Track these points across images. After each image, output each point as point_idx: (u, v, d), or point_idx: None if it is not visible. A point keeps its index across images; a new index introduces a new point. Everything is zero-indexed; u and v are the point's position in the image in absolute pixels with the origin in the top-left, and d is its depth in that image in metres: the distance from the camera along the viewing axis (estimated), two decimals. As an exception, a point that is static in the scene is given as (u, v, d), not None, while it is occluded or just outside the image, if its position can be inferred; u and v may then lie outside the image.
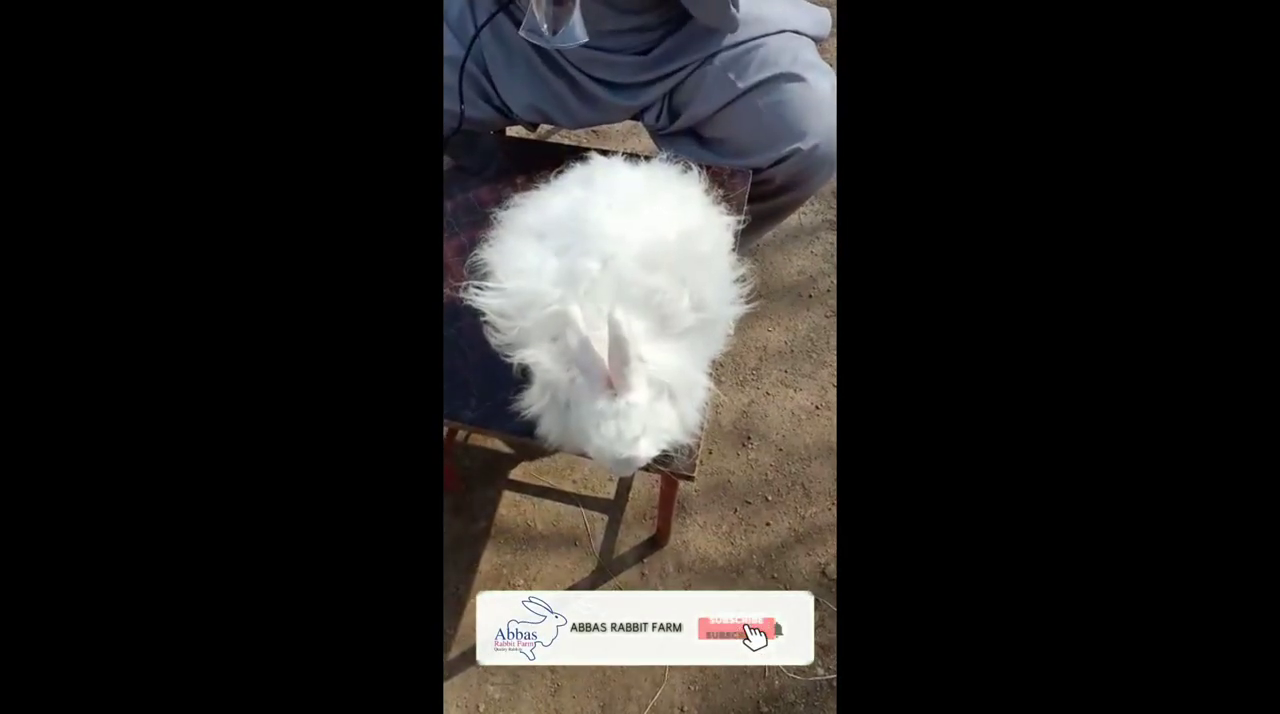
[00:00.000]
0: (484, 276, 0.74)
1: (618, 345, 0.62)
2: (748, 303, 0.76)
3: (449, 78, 0.99)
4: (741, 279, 0.76)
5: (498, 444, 1.19)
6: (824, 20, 1.03)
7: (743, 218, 0.86)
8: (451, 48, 0.99)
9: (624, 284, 0.68)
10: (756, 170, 0.97)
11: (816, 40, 1.02)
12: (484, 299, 0.72)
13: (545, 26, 0.72)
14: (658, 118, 1.03)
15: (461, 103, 0.96)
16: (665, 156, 0.86)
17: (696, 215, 0.78)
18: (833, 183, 1.51)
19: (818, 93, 0.94)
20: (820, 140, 0.93)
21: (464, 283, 0.75)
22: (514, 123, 1.09)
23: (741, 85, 0.94)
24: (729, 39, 0.95)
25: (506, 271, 0.73)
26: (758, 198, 1.02)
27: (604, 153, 0.88)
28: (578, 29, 0.72)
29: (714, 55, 0.95)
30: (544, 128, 1.56)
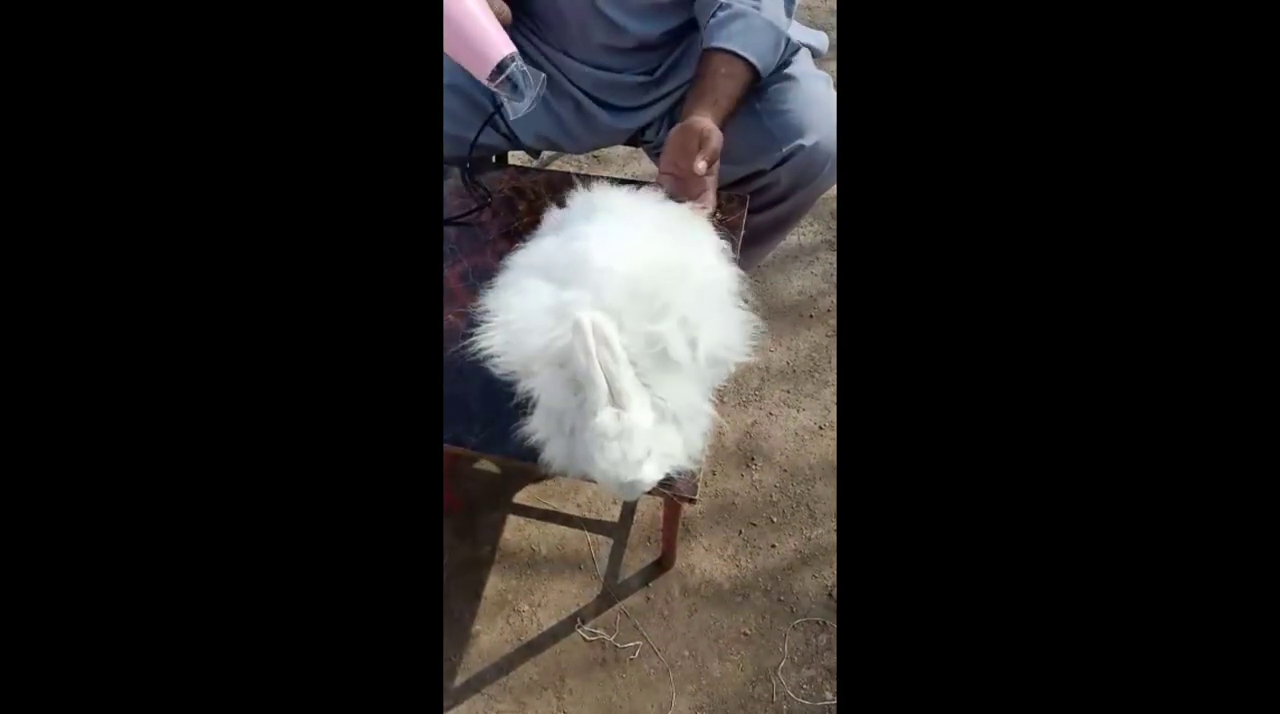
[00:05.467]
0: (485, 315, 0.75)
1: (604, 344, 0.64)
2: (751, 344, 0.76)
3: (454, 106, 1.01)
4: (748, 324, 0.76)
5: (501, 468, 1.19)
6: (821, 38, 1.05)
7: (738, 239, 0.87)
8: (456, 76, 1.01)
9: (622, 317, 0.69)
10: (760, 174, 0.97)
11: (814, 54, 1.03)
12: (484, 337, 0.73)
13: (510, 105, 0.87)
14: (657, 133, 1.04)
15: (470, 159, 0.98)
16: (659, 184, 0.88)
17: (705, 259, 0.79)
18: (832, 203, 1.53)
19: (813, 90, 0.96)
20: (821, 137, 0.95)
21: (466, 321, 0.76)
22: (519, 148, 1.10)
23: None
24: None
25: (506, 305, 0.74)
26: (764, 206, 1.03)
27: (614, 182, 0.89)
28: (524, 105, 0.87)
29: None
30: (546, 153, 1.58)
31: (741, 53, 0.87)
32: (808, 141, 0.94)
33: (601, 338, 0.65)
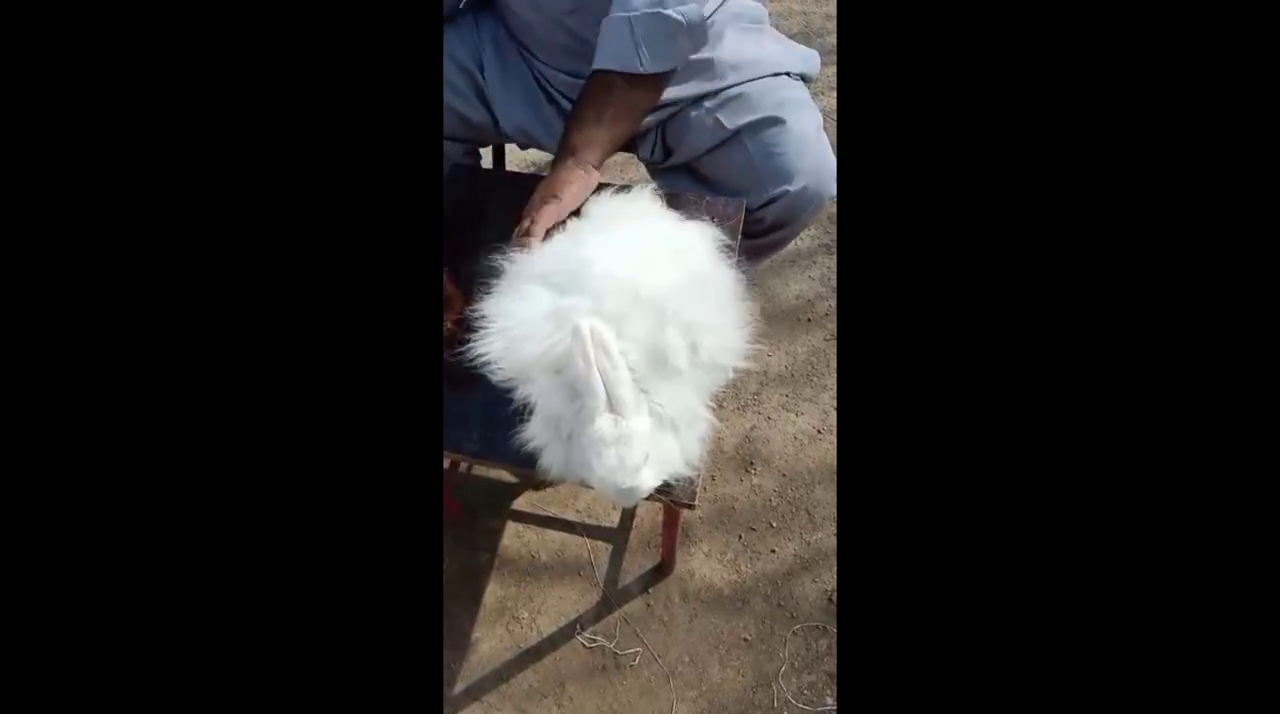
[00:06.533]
0: (483, 322, 0.75)
1: (602, 350, 0.64)
2: (751, 347, 0.76)
3: (453, 78, 1.02)
4: (748, 328, 0.76)
5: (500, 474, 1.19)
6: (812, 61, 1.05)
7: (737, 247, 0.87)
8: (454, 47, 1.02)
9: (622, 324, 0.69)
10: (747, 210, 0.98)
11: (806, 79, 1.03)
12: (483, 344, 0.73)
13: None
14: (651, 153, 1.04)
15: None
16: (654, 187, 0.88)
17: (704, 263, 0.79)
18: (830, 208, 1.54)
19: (803, 134, 0.96)
20: (808, 181, 0.96)
21: (464, 327, 0.76)
22: (503, 138, 1.10)
23: (730, 127, 0.96)
24: (719, 83, 0.97)
25: (505, 311, 0.74)
26: (749, 235, 1.04)
27: (613, 188, 0.89)
28: None
29: (703, 98, 0.97)
30: (543, 158, 1.59)
31: (598, 68, 0.85)
32: (794, 187, 0.96)
33: (600, 344, 0.65)
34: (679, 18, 0.84)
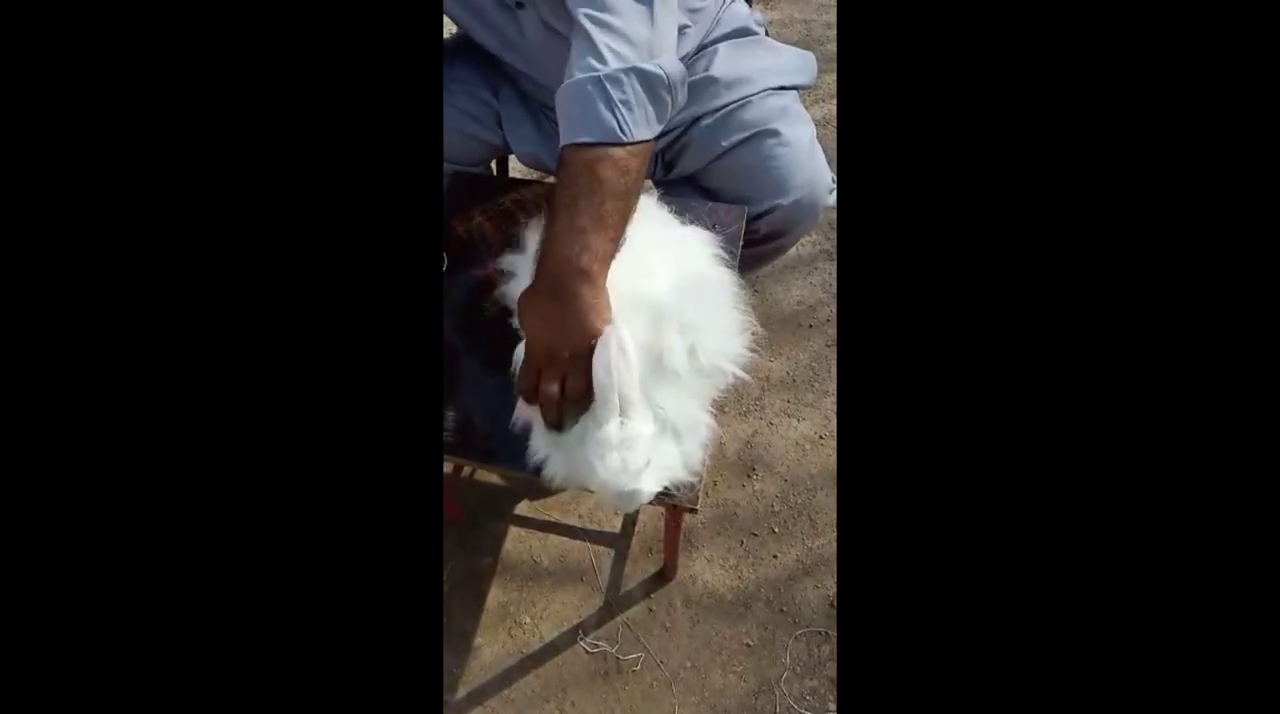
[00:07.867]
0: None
1: (620, 354, 0.65)
2: (750, 351, 0.76)
3: (470, 107, 1.02)
4: (747, 332, 0.77)
5: (503, 478, 1.19)
6: (809, 66, 1.05)
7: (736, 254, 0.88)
8: (462, 100, 1.02)
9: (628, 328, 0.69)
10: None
11: (802, 89, 1.04)
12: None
13: None
14: (654, 173, 1.05)
15: None
16: (656, 193, 0.89)
17: (704, 267, 0.79)
18: (831, 214, 1.54)
19: (796, 147, 0.97)
20: (801, 194, 0.97)
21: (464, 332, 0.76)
22: (509, 151, 1.11)
23: (725, 144, 0.97)
24: (714, 103, 0.98)
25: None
26: (745, 244, 1.04)
27: None
28: None
29: (700, 119, 0.98)
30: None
31: (573, 142, 0.73)
32: (787, 201, 0.96)
33: (620, 349, 0.65)
34: (659, 71, 0.73)
